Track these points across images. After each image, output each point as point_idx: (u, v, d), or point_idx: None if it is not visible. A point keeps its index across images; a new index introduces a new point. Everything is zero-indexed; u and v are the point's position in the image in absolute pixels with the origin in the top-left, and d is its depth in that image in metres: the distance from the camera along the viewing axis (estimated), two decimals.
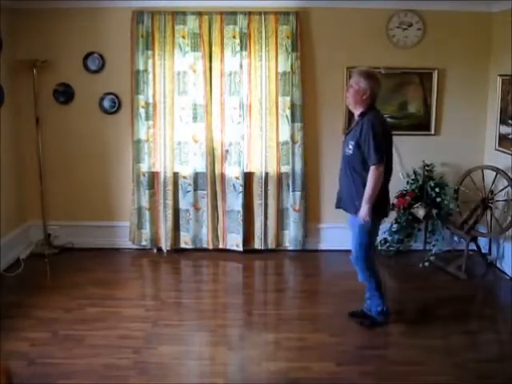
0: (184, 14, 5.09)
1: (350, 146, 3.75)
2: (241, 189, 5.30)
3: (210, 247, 5.46)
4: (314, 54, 5.28)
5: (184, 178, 5.36)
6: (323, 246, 5.57)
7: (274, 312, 4.28)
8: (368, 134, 3.63)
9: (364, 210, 3.70)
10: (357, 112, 3.82)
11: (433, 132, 5.42)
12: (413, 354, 3.64)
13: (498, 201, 5.04)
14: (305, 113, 5.27)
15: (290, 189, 5.35)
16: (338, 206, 4.08)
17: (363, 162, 3.70)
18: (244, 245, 5.41)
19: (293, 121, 5.24)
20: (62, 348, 3.66)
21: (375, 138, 3.62)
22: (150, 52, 5.15)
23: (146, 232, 5.44)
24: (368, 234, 3.85)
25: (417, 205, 5.14)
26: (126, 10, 5.11)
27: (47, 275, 5.01)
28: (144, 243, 5.48)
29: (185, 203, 5.40)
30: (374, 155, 3.62)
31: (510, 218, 4.81)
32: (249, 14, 5.07)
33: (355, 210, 3.79)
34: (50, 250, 5.39)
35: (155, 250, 5.47)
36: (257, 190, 5.37)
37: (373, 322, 4.01)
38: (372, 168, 3.64)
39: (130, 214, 5.44)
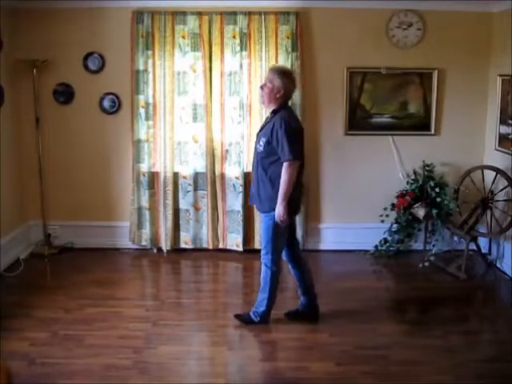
0: (184, 14, 5.09)
1: (261, 143, 3.72)
2: (241, 189, 5.30)
3: (210, 247, 5.46)
4: (314, 54, 5.28)
5: (184, 177, 5.37)
6: (323, 246, 5.57)
7: (273, 312, 4.26)
8: (280, 131, 3.59)
9: (279, 209, 3.63)
10: (269, 109, 3.81)
11: (433, 132, 5.42)
12: (413, 353, 3.64)
13: (497, 201, 5.04)
14: (305, 113, 5.27)
15: None
16: (250, 202, 4.06)
17: (272, 159, 3.66)
18: (244, 245, 5.42)
19: None
20: (62, 348, 3.66)
21: (288, 135, 3.58)
22: (149, 52, 5.15)
23: (146, 232, 5.44)
24: (277, 233, 3.76)
25: (417, 205, 5.14)
26: (126, 10, 5.11)
27: (47, 275, 5.01)
28: (144, 243, 5.48)
29: (185, 203, 5.40)
30: (288, 151, 3.57)
31: (510, 218, 4.81)
32: (249, 14, 5.07)
33: (262, 207, 3.78)
34: (49, 250, 5.39)
35: (155, 250, 5.47)
36: None
37: (249, 320, 3.97)
38: (285, 164, 3.59)
39: (130, 214, 5.44)
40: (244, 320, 4.00)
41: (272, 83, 3.70)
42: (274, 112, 3.75)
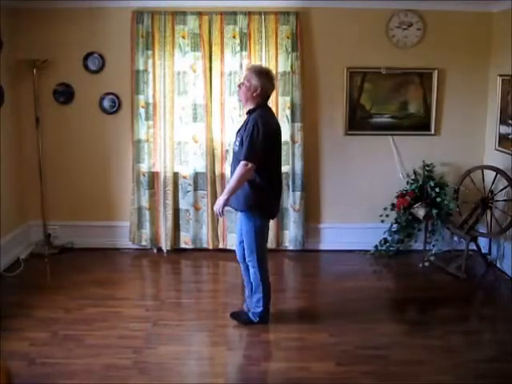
0: (184, 14, 5.09)
1: (237, 143, 3.78)
2: None
3: (210, 247, 5.46)
4: (314, 54, 5.28)
5: (184, 177, 5.37)
6: (323, 246, 5.57)
7: (273, 312, 4.27)
8: (248, 131, 3.62)
9: (219, 200, 3.71)
10: (246, 109, 3.83)
11: (433, 132, 5.42)
12: (413, 353, 3.64)
13: (497, 201, 5.04)
14: (305, 113, 5.27)
15: (290, 189, 5.35)
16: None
17: None
18: None
19: (293, 121, 5.24)
20: (62, 348, 3.66)
21: (252, 136, 3.60)
22: (149, 52, 5.15)
23: (146, 232, 5.44)
24: (256, 234, 3.81)
25: (417, 205, 5.14)
26: (126, 10, 5.11)
27: (47, 275, 5.01)
28: (144, 243, 5.48)
29: (185, 203, 5.40)
30: (246, 151, 3.60)
31: (510, 218, 4.81)
32: (249, 14, 5.07)
33: (239, 206, 3.80)
34: (49, 250, 5.39)
35: (155, 250, 5.47)
36: None
37: (248, 320, 3.98)
38: (241, 163, 3.62)
39: (130, 214, 5.44)
40: (243, 321, 3.99)
41: (249, 82, 3.72)
42: (249, 112, 3.78)
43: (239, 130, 3.85)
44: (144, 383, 3.32)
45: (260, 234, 3.85)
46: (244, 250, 3.93)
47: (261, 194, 3.73)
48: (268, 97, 3.82)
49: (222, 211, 3.74)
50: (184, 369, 3.50)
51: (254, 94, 3.72)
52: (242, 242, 3.95)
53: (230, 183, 3.69)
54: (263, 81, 3.72)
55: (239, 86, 3.82)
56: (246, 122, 3.76)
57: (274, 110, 5.16)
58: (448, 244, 5.40)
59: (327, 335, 3.87)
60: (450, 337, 3.85)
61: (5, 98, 4.97)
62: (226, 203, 3.70)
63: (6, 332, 3.79)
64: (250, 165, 3.61)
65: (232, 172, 3.82)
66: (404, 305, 4.46)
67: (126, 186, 5.44)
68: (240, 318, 4.03)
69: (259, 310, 3.96)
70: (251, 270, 3.93)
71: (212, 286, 4.87)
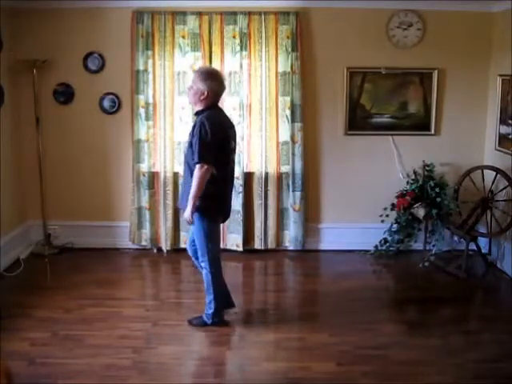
0: (184, 14, 5.09)
1: (187, 145, 3.80)
2: (241, 189, 5.30)
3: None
4: (314, 54, 5.28)
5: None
6: (323, 246, 5.57)
7: (273, 312, 4.28)
8: (196, 133, 3.61)
9: (187, 210, 3.68)
10: (195, 111, 3.85)
11: (433, 132, 5.42)
12: (413, 353, 3.64)
13: (497, 201, 5.04)
14: (305, 113, 5.27)
15: (290, 189, 5.35)
16: (179, 206, 4.09)
17: (195, 161, 3.66)
18: (244, 245, 5.41)
19: (293, 121, 5.24)
20: (62, 348, 3.66)
21: (201, 137, 3.58)
22: (150, 52, 5.15)
23: (146, 232, 5.44)
24: (206, 236, 3.79)
25: (417, 205, 5.14)
26: (126, 10, 5.11)
27: (47, 275, 5.01)
28: (144, 243, 5.48)
29: None
30: (197, 154, 3.59)
31: (510, 218, 4.81)
32: (249, 14, 5.07)
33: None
34: (49, 250, 5.39)
35: (155, 250, 5.47)
36: (257, 189, 5.37)
37: (202, 323, 3.97)
38: (196, 167, 3.60)
39: (129, 214, 5.44)
40: (198, 324, 3.97)
41: (196, 85, 3.72)
42: (197, 113, 3.79)
43: (190, 133, 3.81)
44: (144, 383, 3.32)
45: (210, 237, 3.80)
46: (196, 249, 3.93)
47: (207, 196, 3.67)
48: (218, 98, 3.81)
49: (192, 218, 3.71)
50: (184, 369, 3.51)
51: (201, 98, 3.71)
52: (193, 241, 3.95)
53: (192, 189, 3.62)
54: (210, 84, 3.69)
55: (189, 89, 3.83)
56: (194, 124, 3.75)
57: (273, 110, 5.23)
58: (448, 244, 5.40)
59: (327, 335, 3.87)
60: (450, 337, 3.85)
61: (5, 98, 4.97)
62: (193, 210, 3.67)
63: (6, 332, 3.79)
64: (205, 166, 3.59)
65: (184, 173, 3.88)
66: (404, 305, 4.46)
67: (126, 186, 5.44)
68: (194, 321, 4.00)
69: (211, 311, 3.93)
70: (203, 271, 3.93)
71: None
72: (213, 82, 3.72)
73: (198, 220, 3.75)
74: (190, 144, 3.70)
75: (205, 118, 3.65)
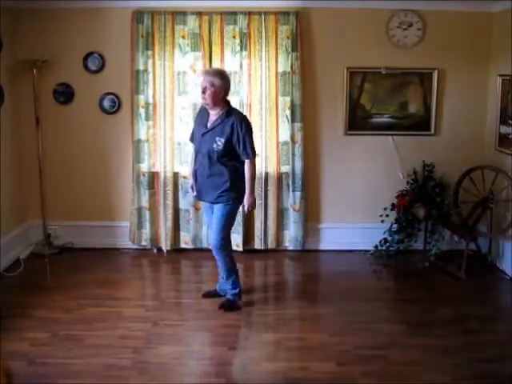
0: (184, 14, 5.09)
1: (219, 143, 3.97)
2: None
3: (210, 247, 5.44)
4: (314, 54, 5.28)
5: (184, 178, 5.36)
6: (323, 246, 5.57)
7: (274, 312, 4.28)
8: (243, 131, 3.94)
9: (251, 199, 4.10)
10: (216, 110, 3.99)
11: (433, 132, 5.42)
12: (413, 354, 3.64)
13: (498, 201, 5.04)
14: (305, 113, 5.27)
15: (290, 189, 5.35)
16: (202, 199, 4.28)
17: (231, 157, 3.99)
18: (244, 245, 5.41)
19: (293, 121, 5.24)
20: (62, 348, 3.66)
21: (248, 134, 3.98)
22: (150, 52, 5.15)
23: (146, 232, 5.44)
24: (231, 217, 4.14)
25: (417, 205, 5.14)
26: (126, 10, 5.11)
27: (47, 275, 5.00)
28: (144, 243, 5.48)
29: (185, 203, 5.40)
30: (250, 149, 3.99)
31: (510, 218, 4.81)
32: (249, 14, 5.07)
33: (222, 199, 4.05)
34: (49, 250, 5.39)
35: (155, 250, 5.47)
36: (257, 189, 5.33)
37: (231, 302, 4.25)
38: (248, 162, 4.02)
39: (129, 214, 5.44)
40: (229, 305, 4.21)
41: (214, 86, 3.91)
42: (227, 113, 3.98)
43: (212, 129, 3.99)
44: (144, 383, 3.32)
45: (232, 218, 4.18)
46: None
47: (243, 182, 4.07)
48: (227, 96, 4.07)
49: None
50: (184, 369, 3.51)
51: (221, 96, 3.96)
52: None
53: (250, 183, 4.06)
54: (225, 82, 3.98)
55: (203, 92, 3.94)
56: (226, 123, 3.95)
57: (273, 110, 5.23)
58: (448, 244, 5.40)
59: (327, 335, 3.87)
60: (449, 337, 3.86)
61: (5, 98, 4.96)
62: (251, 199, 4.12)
63: (6, 332, 3.79)
64: (254, 160, 4.06)
65: (203, 169, 4.07)
66: (404, 305, 4.46)
67: (126, 186, 5.44)
68: (225, 304, 4.26)
69: (236, 290, 4.26)
70: (219, 259, 4.24)
71: (212, 286, 4.85)
72: (225, 80, 4.00)
73: (229, 204, 4.05)
74: (228, 141, 3.93)
75: (243, 115, 4.11)
